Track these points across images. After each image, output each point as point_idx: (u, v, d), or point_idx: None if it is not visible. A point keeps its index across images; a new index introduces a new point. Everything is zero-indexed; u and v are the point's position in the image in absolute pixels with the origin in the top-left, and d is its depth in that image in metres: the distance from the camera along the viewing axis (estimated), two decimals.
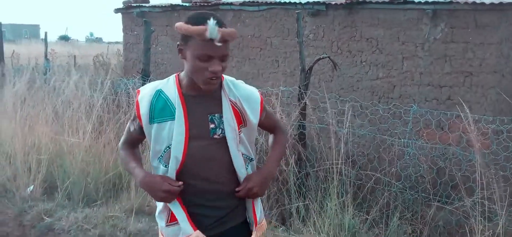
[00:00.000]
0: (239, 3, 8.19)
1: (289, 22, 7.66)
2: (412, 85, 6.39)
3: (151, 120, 1.91)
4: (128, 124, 2.09)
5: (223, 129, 1.92)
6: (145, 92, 1.96)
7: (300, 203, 4.12)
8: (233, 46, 7.98)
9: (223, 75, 1.94)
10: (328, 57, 4.81)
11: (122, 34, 10.52)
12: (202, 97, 1.91)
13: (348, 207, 3.96)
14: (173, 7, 9.34)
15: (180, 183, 1.89)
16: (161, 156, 1.93)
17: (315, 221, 3.95)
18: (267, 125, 2.16)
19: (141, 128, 1.96)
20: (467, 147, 4.14)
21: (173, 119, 1.89)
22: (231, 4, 8.26)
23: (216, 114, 1.92)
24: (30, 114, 5.89)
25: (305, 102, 4.61)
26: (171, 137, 1.89)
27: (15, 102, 6.14)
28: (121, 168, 4.84)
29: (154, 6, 9.73)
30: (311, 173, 4.55)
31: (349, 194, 3.94)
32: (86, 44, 34.46)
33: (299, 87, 4.65)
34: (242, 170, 1.97)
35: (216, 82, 1.84)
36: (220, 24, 1.76)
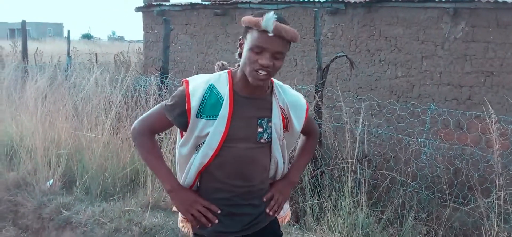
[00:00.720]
0: (258, 2, 8.20)
1: (307, 21, 7.63)
2: (431, 85, 6.30)
3: (199, 114, 1.87)
4: (158, 108, 1.96)
5: (269, 134, 1.94)
6: (197, 85, 1.90)
7: (314, 202, 4.11)
8: None
9: (272, 79, 1.93)
10: (345, 55, 4.77)
11: (142, 32, 10.65)
12: (253, 100, 1.91)
13: (362, 206, 3.93)
14: (192, 6, 9.41)
15: (218, 211, 1.93)
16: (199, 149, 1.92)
17: (329, 219, 3.94)
18: (305, 129, 2.13)
19: (185, 118, 1.88)
20: (486, 147, 4.07)
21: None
22: (249, 2, 8.27)
23: (264, 118, 1.93)
24: (50, 110, 6.01)
25: (321, 101, 4.58)
26: None
27: (36, 99, 6.27)
28: (139, 156, 4.90)
29: (174, 5, 9.82)
30: (326, 171, 4.53)
31: (363, 193, 3.91)
32: (108, 42, 34.98)
33: (316, 85, 4.63)
34: (280, 173, 2.06)
35: (263, 78, 1.80)
36: (279, 19, 1.76)
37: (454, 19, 6.07)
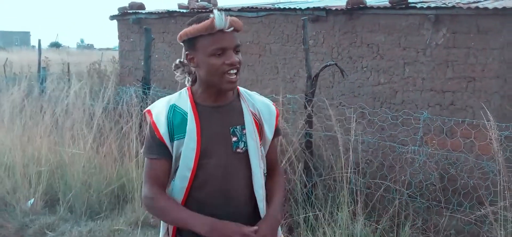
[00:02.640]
0: (238, 9, 8.14)
1: (288, 28, 7.62)
2: (414, 91, 6.36)
3: (172, 138, 1.77)
4: (146, 162, 1.83)
5: (245, 142, 1.81)
6: (159, 110, 1.81)
7: (310, 214, 4.06)
8: None
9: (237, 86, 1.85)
10: (336, 64, 4.76)
11: (115, 41, 10.45)
12: (220, 108, 1.80)
13: (358, 216, 3.91)
14: (170, 14, 9.27)
15: (255, 228, 1.75)
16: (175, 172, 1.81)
17: (325, 231, 3.90)
18: (270, 151, 1.96)
19: (166, 148, 1.78)
20: (479, 154, 4.11)
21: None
22: (229, 10, 8.20)
23: (237, 127, 1.81)
24: (28, 124, 5.78)
25: (312, 110, 4.55)
26: None
27: (12, 113, 6.02)
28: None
29: (151, 13, 9.65)
30: (319, 182, 4.49)
31: (359, 203, 3.88)
32: (78, 50, 34.23)
33: (306, 95, 4.60)
34: (260, 191, 1.85)
35: (236, 78, 1.73)
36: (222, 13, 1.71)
37: (435, 25, 6.15)
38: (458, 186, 4.08)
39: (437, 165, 4.33)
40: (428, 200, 4.12)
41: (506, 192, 3.19)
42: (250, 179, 1.84)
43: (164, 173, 1.81)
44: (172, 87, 8.84)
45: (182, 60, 1.86)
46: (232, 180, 1.80)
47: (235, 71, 1.72)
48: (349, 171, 4.07)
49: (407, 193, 4.12)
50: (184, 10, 9.08)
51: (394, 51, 6.55)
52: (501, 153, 3.23)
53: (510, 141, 4.09)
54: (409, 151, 4.25)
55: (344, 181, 4.00)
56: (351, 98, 6.83)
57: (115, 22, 10.50)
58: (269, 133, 1.89)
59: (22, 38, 51.83)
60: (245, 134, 1.81)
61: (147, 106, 5.09)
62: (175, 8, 9.41)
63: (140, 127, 5.34)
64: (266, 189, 1.94)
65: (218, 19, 1.68)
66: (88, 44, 53.10)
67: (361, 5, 6.70)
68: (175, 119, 1.78)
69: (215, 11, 1.70)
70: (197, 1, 9.15)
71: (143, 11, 9.88)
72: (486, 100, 5.73)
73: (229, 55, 1.70)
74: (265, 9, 7.84)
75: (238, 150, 1.81)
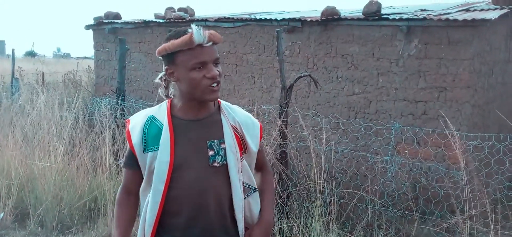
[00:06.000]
0: (214, 20, 8.14)
1: (264, 39, 7.64)
2: (388, 101, 6.45)
3: (145, 149, 1.77)
4: (123, 168, 1.92)
5: (223, 156, 1.79)
6: (137, 121, 1.84)
7: (285, 225, 4.05)
8: None
9: (219, 99, 1.85)
10: (309, 75, 4.79)
11: (92, 50, 10.30)
12: (198, 122, 1.79)
13: (332, 226, 3.92)
14: (146, 24, 9.20)
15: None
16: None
17: None
18: (259, 158, 1.98)
19: (135, 160, 1.80)
20: (449, 163, 4.18)
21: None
22: (206, 20, 8.20)
23: (215, 140, 1.80)
24: None
25: (286, 121, 4.56)
26: None
27: None
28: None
29: (127, 22, 9.56)
30: (293, 192, 4.50)
31: (333, 213, 3.90)
32: (54, 59, 33.65)
33: (281, 105, 4.61)
34: (240, 203, 1.82)
35: (217, 89, 1.75)
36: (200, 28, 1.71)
37: (407, 36, 6.26)
38: (429, 195, 4.13)
39: (408, 174, 4.38)
40: (401, 209, 4.17)
41: (476, 201, 3.25)
42: (229, 192, 1.82)
43: (133, 183, 1.86)
44: (148, 97, 8.77)
45: (162, 75, 1.87)
46: (208, 194, 1.78)
47: (216, 84, 1.73)
48: (322, 181, 4.09)
49: (380, 203, 4.16)
50: (161, 20, 9.03)
51: (368, 61, 6.64)
52: (464, 162, 3.29)
53: (480, 151, 4.17)
54: (382, 161, 4.30)
55: (318, 191, 4.02)
56: (326, 108, 6.88)
57: (91, 31, 10.38)
58: (253, 145, 1.88)
59: None
60: (223, 148, 1.80)
61: (120, 117, 5.02)
62: (152, 17, 9.35)
63: (113, 138, 5.26)
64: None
65: (197, 34, 1.68)
66: (64, 53, 52.25)
67: (335, 16, 6.78)
68: (151, 130, 1.79)
69: (193, 26, 1.70)
70: (174, 11, 9.11)
71: (119, 21, 9.78)
72: (457, 110, 5.84)
73: (209, 68, 1.71)
74: (242, 20, 7.86)
75: (215, 164, 1.79)
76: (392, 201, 4.23)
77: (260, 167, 2.02)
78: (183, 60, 1.70)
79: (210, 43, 1.71)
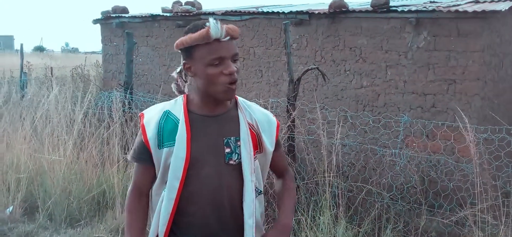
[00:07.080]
0: (222, 13, 8.12)
1: (272, 32, 7.62)
2: (396, 94, 6.40)
3: (160, 145, 1.72)
4: (134, 166, 1.84)
5: (239, 154, 1.75)
6: (152, 115, 1.78)
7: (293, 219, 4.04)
8: None
9: (236, 96, 1.81)
10: (317, 68, 4.76)
11: (100, 44, 10.32)
12: (215, 118, 1.75)
13: (340, 220, 3.91)
14: (153, 17, 9.20)
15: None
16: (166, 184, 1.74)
17: (307, 235, 3.89)
18: (276, 161, 1.92)
19: (149, 155, 1.74)
20: (459, 156, 4.14)
21: None
22: (213, 13, 8.18)
23: (231, 138, 1.75)
24: (7, 131, 5.68)
25: (294, 114, 4.55)
26: None
27: None
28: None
29: (134, 16, 9.57)
30: (301, 185, 4.48)
31: (341, 207, 3.88)
32: (62, 54, 33.83)
33: (288, 99, 4.59)
34: (251, 204, 1.76)
35: (235, 87, 1.69)
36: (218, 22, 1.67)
37: (416, 29, 6.21)
38: (438, 188, 4.10)
39: (417, 167, 4.35)
40: (409, 203, 4.14)
41: (485, 194, 3.22)
42: (240, 192, 1.77)
43: (145, 179, 1.79)
44: (156, 91, 8.77)
45: (180, 69, 1.84)
46: (224, 192, 1.75)
47: (234, 80, 1.68)
48: (331, 174, 4.07)
49: (389, 196, 4.13)
50: (168, 14, 9.03)
51: (376, 54, 6.59)
52: (477, 155, 3.25)
53: (490, 143, 4.12)
54: (390, 154, 4.27)
55: (326, 185, 4.00)
56: (334, 101, 6.85)
57: (99, 25, 10.40)
58: (269, 144, 1.83)
59: (6, 42, 51.13)
60: (239, 146, 1.76)
61: (128, 111, 5.00)
62: (159, 11, 9.35)
63: (122, 131, 5.28)
64: (276, 194, 1.94)
65: (214, 28, 1.64)
66: (72, 48, 52.54)
67: (343, 9, 6.73)
68: (167, 125, 1.74)
69: (211, 20, 1.65)
70: (181, 5, 9.10)
71: (126, 15, 9.80)
72: (466, 103, 5.78)
73: (227, 64, 1.66)
74: (249, 13, 7.84)
75: (231, 162, 1.75)
76: (400, 194, 4.20)
77: (281, 172, 1.97)
78: (201, 55, 1.67)
79: (228, 38, 1.67)
